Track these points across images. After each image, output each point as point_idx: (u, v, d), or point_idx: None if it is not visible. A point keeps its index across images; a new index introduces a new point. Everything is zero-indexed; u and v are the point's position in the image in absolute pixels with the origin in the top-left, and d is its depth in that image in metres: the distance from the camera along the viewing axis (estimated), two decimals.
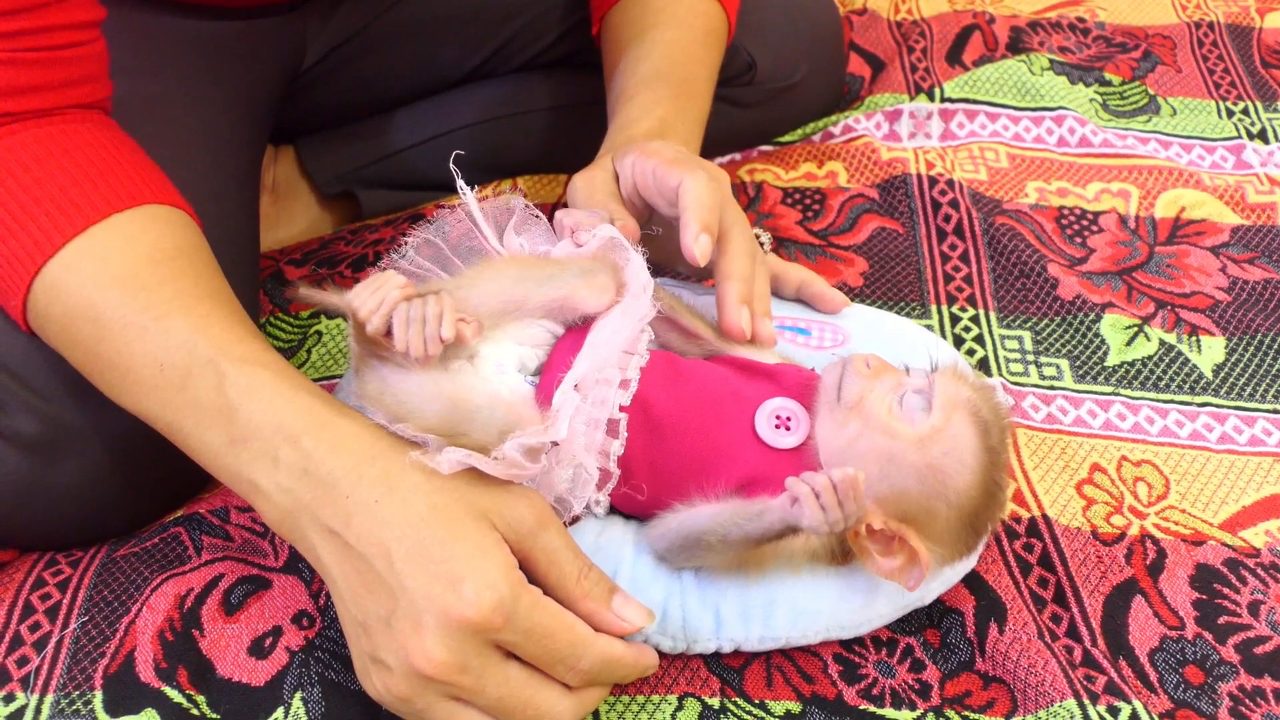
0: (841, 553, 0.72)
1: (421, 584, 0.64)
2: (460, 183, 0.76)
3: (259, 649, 0.76)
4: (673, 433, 0.73)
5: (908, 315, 1.02)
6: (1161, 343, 1.01)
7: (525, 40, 1.16)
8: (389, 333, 0.67)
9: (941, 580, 0.77)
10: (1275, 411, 0.96)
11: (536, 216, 0.79)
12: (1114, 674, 0.75)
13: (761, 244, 0.86)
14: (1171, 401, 0.96)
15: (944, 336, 1.01)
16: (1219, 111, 1.31)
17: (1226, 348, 1.01)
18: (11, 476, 0.80)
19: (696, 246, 0.76)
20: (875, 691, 0.75)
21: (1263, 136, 1.27)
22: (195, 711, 0.72)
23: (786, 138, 1.26)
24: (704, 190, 0.78)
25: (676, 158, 0.80)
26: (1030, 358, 1.00)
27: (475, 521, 0.65)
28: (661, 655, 0.74)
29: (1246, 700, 0.76)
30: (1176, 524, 0.87)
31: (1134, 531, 0.86)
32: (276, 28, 1.05)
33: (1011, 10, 1.46)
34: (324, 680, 0.74)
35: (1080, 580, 0.82)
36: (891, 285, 1.06)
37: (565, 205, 0.84)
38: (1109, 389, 0.97)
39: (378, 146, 1.18)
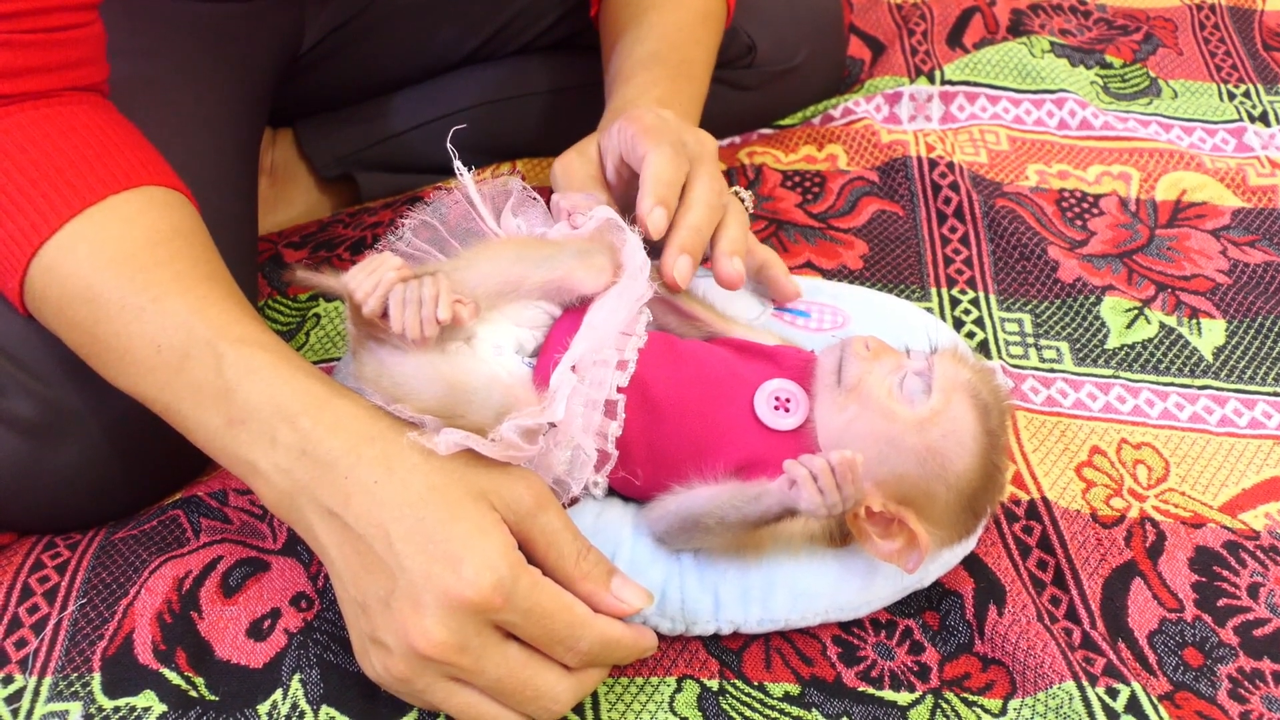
0: (840, 535, 0.72)
1: (421, 564, 0.63)
2: (458, 164, 0.76)
3: (257, 631, 0.76)
4: (671, 414, 0.73)
5: (908, 298, 1.02)
6: (1162, 325, 1.01)
7: (524, 22, 1.16)
8: (385, 314, 0.67)
9: (940, 563, 0.77)
10: (1275, 394, 0.95)
11: (534, 199, 0.79)
12: (1113, 656, 0.75)
13: (741, 199, 0.85)
14: (1172, 384, 0.96)
15: (944, 319, 1.00)
16: (1220, 94, 1.30)
17: (1227, 330, 1.01)
18: (10, 460, 0.80)
19: (650, 219, 0.75)
20: (874, 673, 0.75)
21: (1264, 119, 1.26)
22: (194, 693, 0.72)
23: (786, 121, 1.25)
24: (664, 165, 0.77)
25: (652, 126, 0.79)
26: (1030, 340, 0.99)
27: (474, 502, 0.65)
28: (660, 637, 0.74)
29: (1245, 682, 0.76)
30: (1176, 506, 0.87)
31: (1133, 514, 0.86)
32: (275, 10, 1.04)
33: None
34: (323, 662, 0.74)
35: (1079, 563, 0.82)
36: (891, 268, 1.06)
37: None
38: (1109, 372, 0.97)
39: (376, 129, 1.17)
